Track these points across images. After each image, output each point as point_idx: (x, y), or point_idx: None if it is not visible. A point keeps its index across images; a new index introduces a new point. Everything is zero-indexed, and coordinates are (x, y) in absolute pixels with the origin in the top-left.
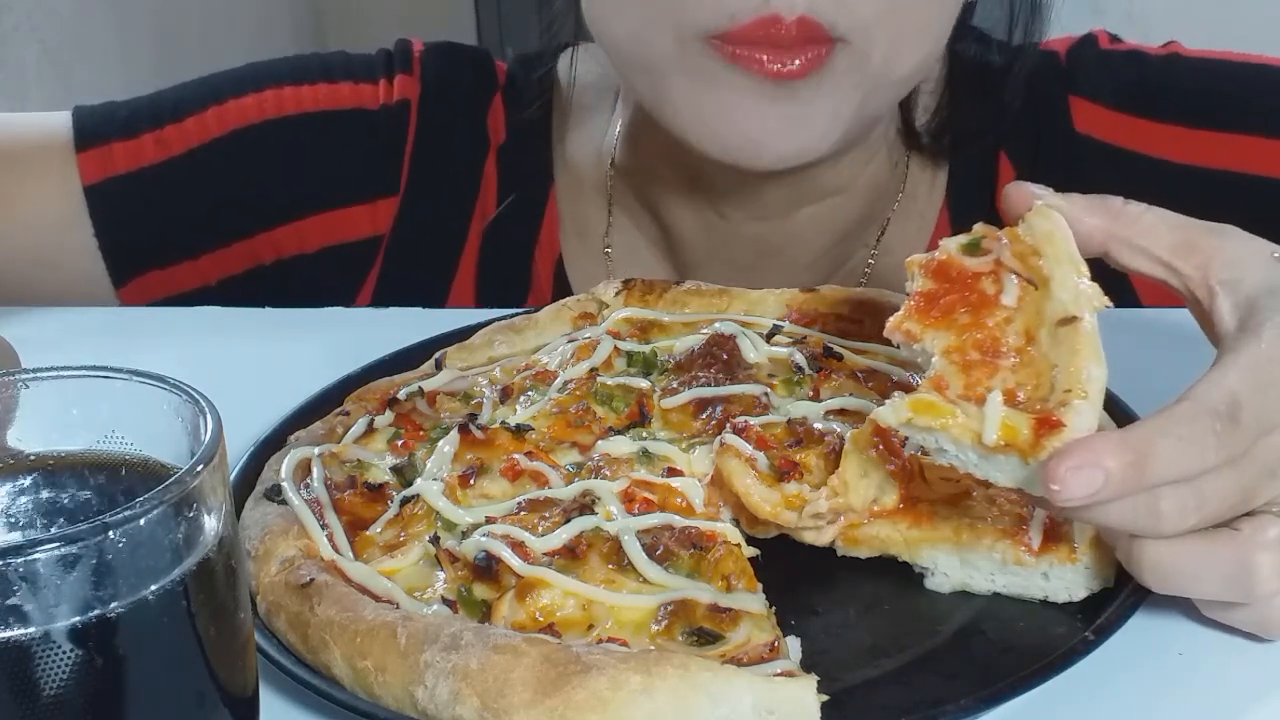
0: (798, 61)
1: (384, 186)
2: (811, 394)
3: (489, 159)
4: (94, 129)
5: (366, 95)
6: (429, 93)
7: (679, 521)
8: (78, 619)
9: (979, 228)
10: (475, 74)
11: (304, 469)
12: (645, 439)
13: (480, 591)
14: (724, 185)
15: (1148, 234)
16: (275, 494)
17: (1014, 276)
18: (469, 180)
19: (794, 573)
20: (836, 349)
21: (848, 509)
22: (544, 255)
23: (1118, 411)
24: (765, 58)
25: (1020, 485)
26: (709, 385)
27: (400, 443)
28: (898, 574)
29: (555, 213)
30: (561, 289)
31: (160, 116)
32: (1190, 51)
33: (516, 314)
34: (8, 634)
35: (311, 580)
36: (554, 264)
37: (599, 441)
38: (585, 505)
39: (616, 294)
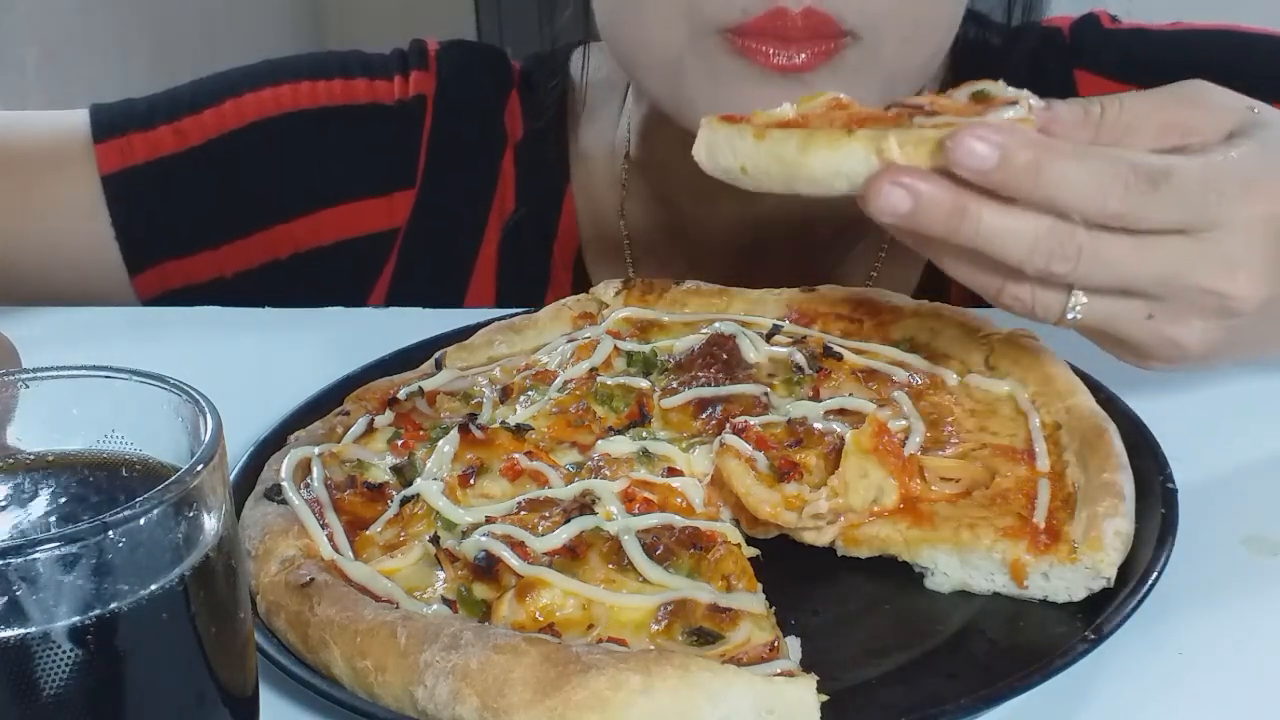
0: (803, 55)
1: (400, 180)
2: (811, 394)
3: (506, 155)
4: (112, 121)
5: (382, 90)
6: (445, 89)
7: (679, 521)
8: (78, 619)
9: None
10: (491, 72)
11: (304, 469)
12: (645, 439)
13: (480, 591)
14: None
15: (1133, 132)
16: (275, 494)
17: None
18: (486, 176)
19: (794, 573)
20: (836, 349)
21: (848, 509)
22: (563, 250)
23: (1118, 412)
24: (771, 50)
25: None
26: (709, 385)
27: (400, 443)
28: (898, 574)
29: (573, 208)
30: (581, 283)
31: (178, 109)
32: (1195, 24)
33: (516, 314)
34: (8, 634)
35: (311, 580)
36: (573, 258)
37: (599, 441)
38: (585, 505)
39: (616, 294)
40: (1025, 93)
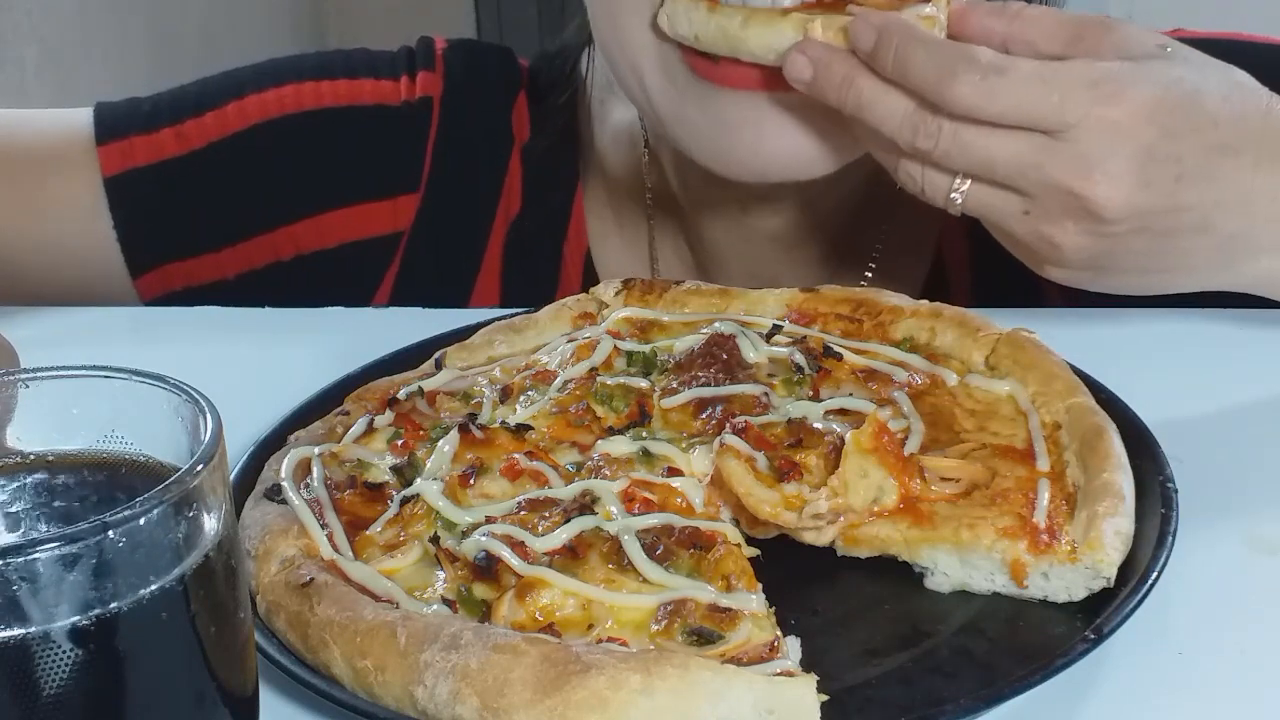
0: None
1: (405, 183)
2: (811, 394)
3: (513, 156)
4: (115, 123)
5: (388, 91)
6: (452, 90)
7: (679, 521)
8: (78, 619)
9: None
10: (499, 71)
11: (304, 469)
12: (645, 439)
13: (480, 591)
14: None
15: (1042, 32)
16: (275, 494)
17: None
18: (492, 178)
19: (794, 573)
20: (836, 349)
21: (848, 509)
22: (573, 252)
23: (1118, 412)
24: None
25: None
26: (709, 385)
27: (400, 442)
28: (898, 574)
29: (582, 209)
30: (591, 284)
31: (181, 111)
32: (1194, 32)
33: (516, 314)
34: (8, 634)
35: (311, 580)
36: (583, 260)
37: (599, 441)
38: (585, 505)
39: (616, 293)
40: None
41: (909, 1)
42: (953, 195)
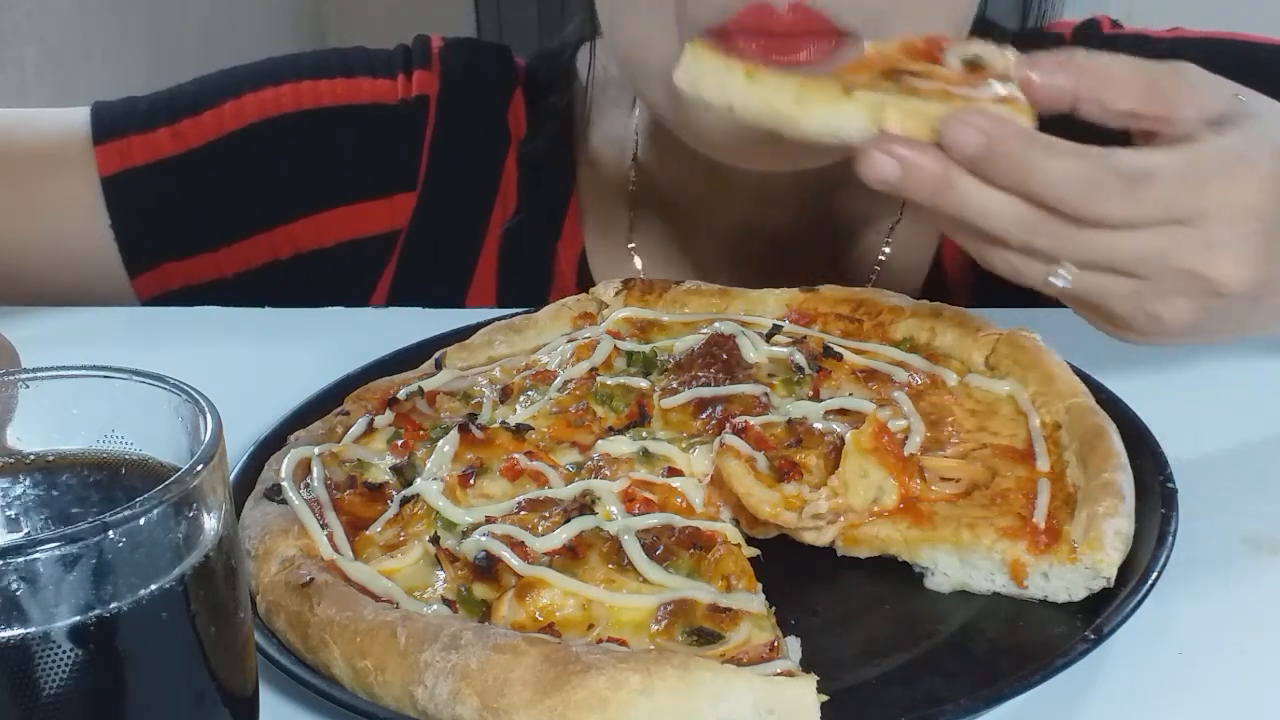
0: (801, 54)
1: (402, 182)
2: (811, 394)
3: (509, 155)
4: (112, 122)
5: (385, 90)
6: (448, 88)
7: (679, 521)
8: (78, 619)
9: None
10: (495, 70)
11: (304, 469)
12: (645, 439)
13: (480, 591)
14: (741, 182)
15: (1114, 86)
16: (275, 494)
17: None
18: (489, 176)
19: (794, 573)
20: (836, 349)
21: (848, 509)
22: (567, 252)
23: (1118, 413)
24: (758, 45)
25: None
26: (709, 385)
27: (400, 442)
28: (898, 574)
29: (578, 209)
30: (586, 285)
31: (178, 110)
32: (1194, 32)
33: (516, 314)
34: (8, 634)
35: (311, 580)
36: (577, 260)
37: (599, 441)
38: (585, 505)
39: (616, 293)
40: (1010, 52)
41: (980, 74)
42: (1054, 280)
